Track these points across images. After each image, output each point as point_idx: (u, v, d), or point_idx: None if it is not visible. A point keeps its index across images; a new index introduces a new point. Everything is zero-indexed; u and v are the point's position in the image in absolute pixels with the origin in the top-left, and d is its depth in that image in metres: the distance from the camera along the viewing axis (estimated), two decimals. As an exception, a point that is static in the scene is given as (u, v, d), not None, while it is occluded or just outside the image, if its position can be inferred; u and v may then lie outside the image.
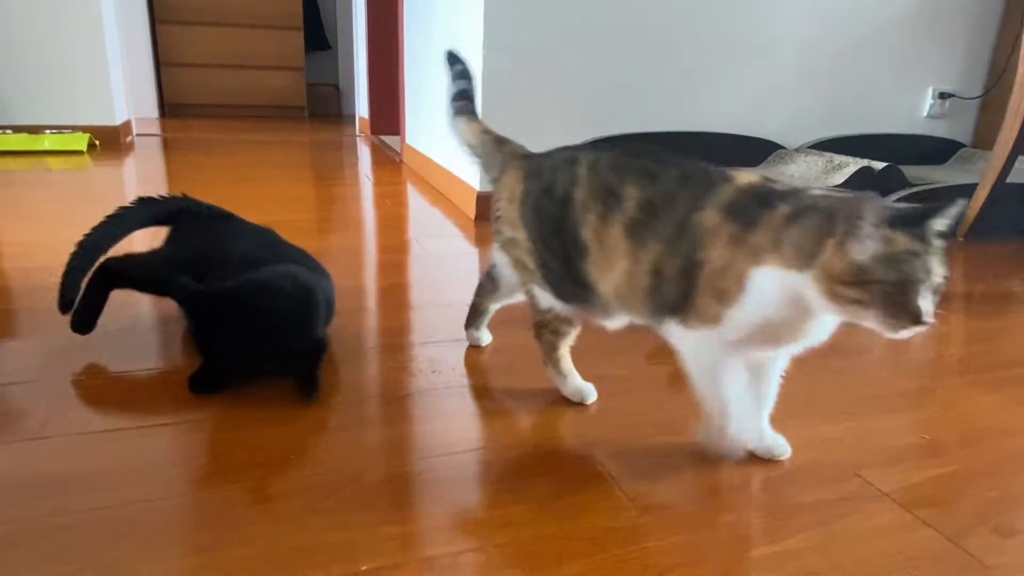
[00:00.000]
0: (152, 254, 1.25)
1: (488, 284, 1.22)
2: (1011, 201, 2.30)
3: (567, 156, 0.96)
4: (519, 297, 1.16)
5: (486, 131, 1.15)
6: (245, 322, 1.03)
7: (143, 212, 1.34)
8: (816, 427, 1.04)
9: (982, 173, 2.30)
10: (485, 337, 1.29)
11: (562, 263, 0.96)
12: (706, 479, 0.89)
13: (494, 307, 1.26)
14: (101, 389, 1.07)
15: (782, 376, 0.94)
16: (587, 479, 0.88)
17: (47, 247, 1.78)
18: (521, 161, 1.05)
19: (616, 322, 1.01)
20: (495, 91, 2.17)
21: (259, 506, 0.80)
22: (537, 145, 2.29)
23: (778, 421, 1.05)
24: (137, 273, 1.21)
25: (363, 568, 0.71)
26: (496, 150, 1.11)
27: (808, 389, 1.16)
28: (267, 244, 1.31)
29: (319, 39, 6.16)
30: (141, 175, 2.96)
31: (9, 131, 3.39)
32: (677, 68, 2.35)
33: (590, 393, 1.08)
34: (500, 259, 1.10)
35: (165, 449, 0.91)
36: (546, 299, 1.03)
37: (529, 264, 1.02)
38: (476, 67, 2.19)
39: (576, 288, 0.96)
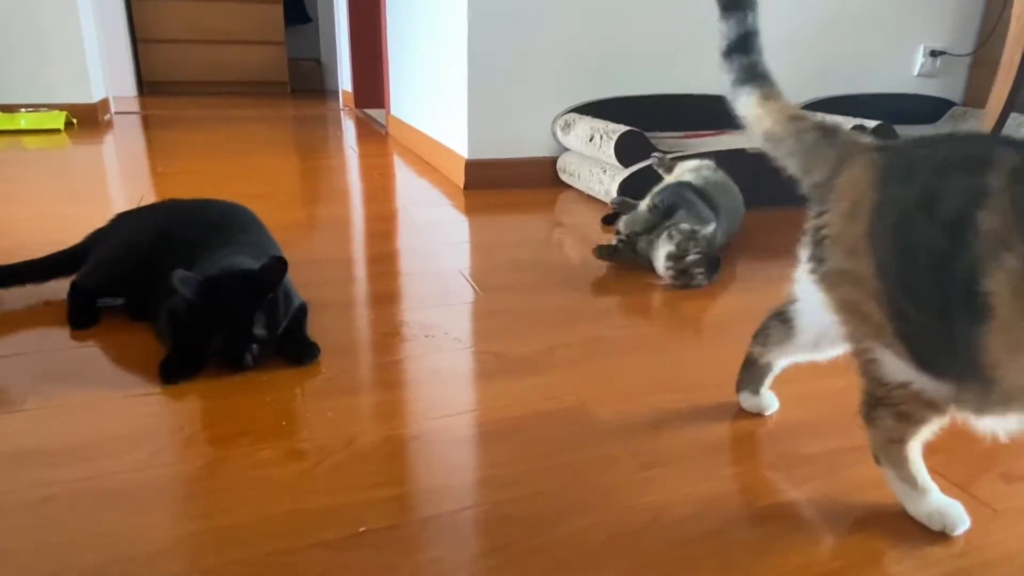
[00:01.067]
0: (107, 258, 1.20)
1: (778, 330, 0.85)
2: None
3: (967, 153, 0.60)
4: (827, 353, 0.82)
5: (798, 116, 0.77)
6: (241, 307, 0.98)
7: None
8: (814, 381, 1.02)
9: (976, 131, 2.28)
10: (770, 403, 0.93)
11: (937, 321, 0.59)
12: (707, 436, 0.87)
13: (783, 363, 0.89)
14: (82, 361, 1.04)
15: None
16: (586, 437, 0.86)
17: (24, 225, 1.73)
18: (874, 155, 0.68)
19: (1008, 423, 0.62)
20: (481, 55, 2.12)
21: (251, 472, 0.78)
22: (527, 110, 2.25)
23: (779, 377, 1.03)
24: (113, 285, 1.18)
25: (361, 530, 0.69)
26: (823, 141, 0.73)
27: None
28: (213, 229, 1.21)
29: (299, 12, 6.03)
30: (121, 153, 2.89)
31: (-17, 111, 3.30)
32: (667, 29, 2.31)
33: (959, 519, 0.71)
34: (812, 296, 0.74)
35: (150, 419, 0.88)
36: (898, 368, 0.67)
37: (872, 313, 0.66)
38: (461, 31, 2.14)
39: (954, 361, 0.60)
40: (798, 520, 0.72)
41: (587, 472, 0.79)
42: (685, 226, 1.40)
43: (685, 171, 1.67)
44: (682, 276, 1.38)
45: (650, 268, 1.44)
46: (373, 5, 3.97)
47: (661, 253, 1.40)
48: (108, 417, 0.88)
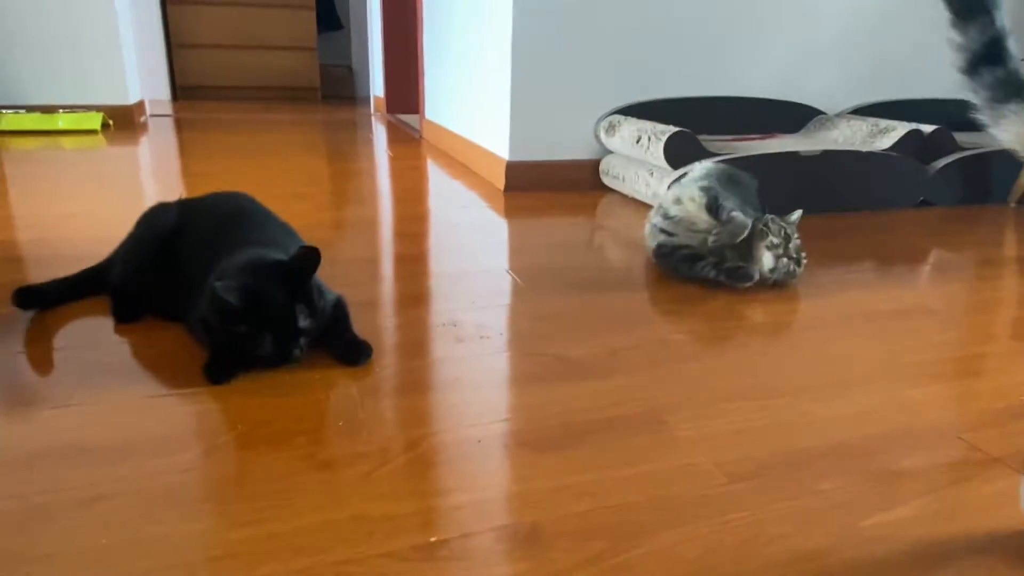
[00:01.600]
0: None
1: None
2: (1066, 165, 2.19)
3: None
4: None
5: None
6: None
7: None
8: (900, 390, 0.96)
9: (1035, 136, 2.19)
10: None
11: None
12: (793, 447, 0.81)
13: None
14: (127, 356, 1.00)
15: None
16: (662, 446, 0.80)
17: (61, 221, 1.71)
18: None
19: None
20: (525, 56, 2.08)
21: (311, 474, 0.73)
22: (570, 113, 2.20)
23: (861, 383, 0.97)
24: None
25: (432, 540, 0.64)
26: None
27: (881, 352, 1.07)
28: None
29: (331, 19, 6.06)
30: (156, 153, 2.89)
31: (23, 111, 3.33)
32: (715, 32, 2.25)
33: None
34: None
35: (200, 417, 0.84)
36: None
37: None
38: (505, 32, 2.10)
39: None
40: (908, 542, 0.65)
41: (668, 483, 0.73)
42: (767, 216, 1.34)
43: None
44: (792, 263, 1.31)
45: (687, 279, 1.35)
46: (408, 10, 3.96)
47: (764, 249, 1.30)
48: (156, 415, 0.84)
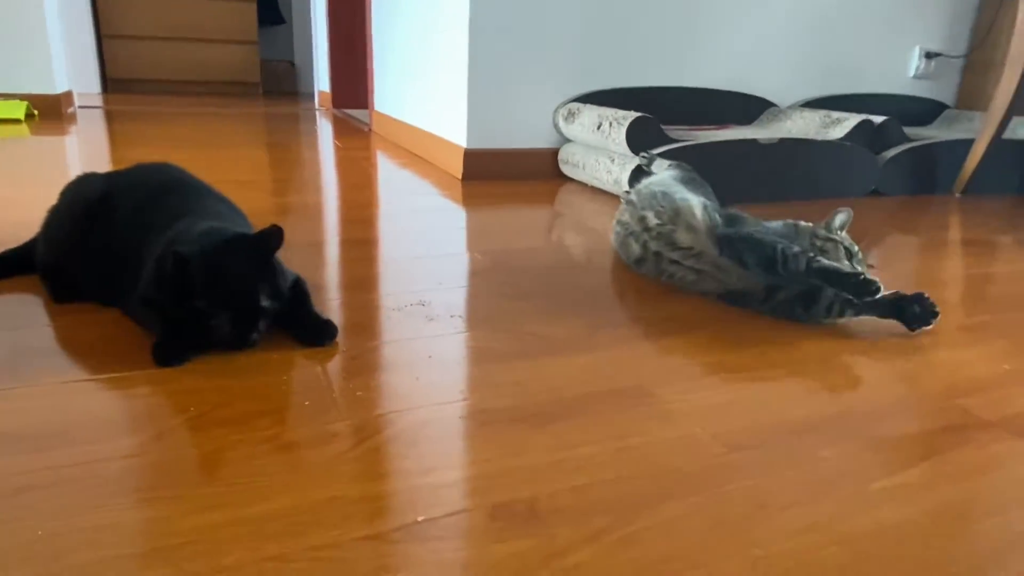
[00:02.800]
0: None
1: None
2: (1006, 158, 2.27)
3: None
4: None
5: None
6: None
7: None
8: (888, 360, 0.94)
9: (976, 130, 2.26)
10: None
11: None
12: (788, 416, 0.78)
13: None
14: (65, 337, 0.90)
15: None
16: (656, 418, 0.76)
17: (-14, 203, 1.57)
18: None
19: None
20: (483, 43, 2.03)
21: (278, 456, 0.66)
22: (528, 100, 2.16)
23: (844, 356, 0.95)
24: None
25: (419, 519, 0.58)
26: None
27: (862, 325, 1.06)
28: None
29: (273, 13, 5.88)
30: (87, 144, 2.71)
31: (-65, 98, 3.09)
32: (673, 22, 2.24)
33: None
34: None
35: (148, 399, 0.75)
36: None
37: None
38: (462, 18, 2.04)
39: None
40: (922, 503, 0.63)
41: (666, 455, 0.69)
42: (807, 225, 1.12)
43: (665, 172, 1.45)
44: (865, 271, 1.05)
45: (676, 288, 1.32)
46: (355, 3, 3.86)
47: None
48: (96, 399, 0.75)
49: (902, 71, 2.67)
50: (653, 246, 1.19)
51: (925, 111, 2.73)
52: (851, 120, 2.09)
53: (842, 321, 1.06)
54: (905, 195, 2.19)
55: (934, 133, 2.43)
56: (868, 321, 1.07)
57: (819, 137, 2.08)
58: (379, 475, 0.64)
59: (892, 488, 0.65)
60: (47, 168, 2.10)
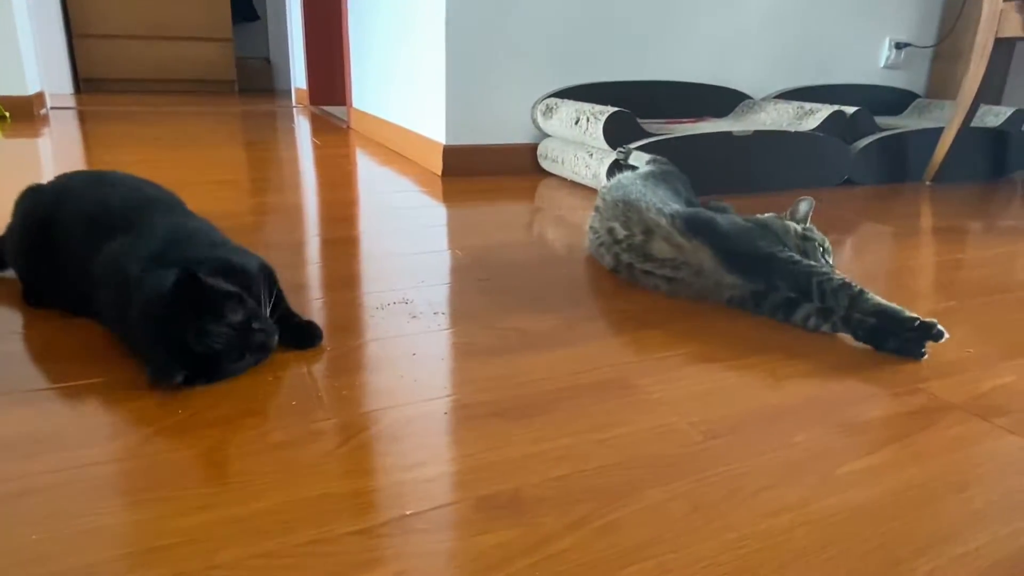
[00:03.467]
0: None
1: None
2: (975, 145, 2.32)
3: None
4: None
5: None
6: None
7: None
8: (858, 346, 0.97)
9: (946, 119, 2.31)
10: None
11: None
12: (761, 404, 0.81)
13: None
14: (43, 343, 0.91)
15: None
16: (635, 409, 0.78)
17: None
18: None
19: None
20: (458, 38, 2.04)
21: (267, 455, 0.67)
22: (506, 96, 2.17)
23: (816, 343, 0.98)
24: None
25: (407, 513, 0.60)
26: None
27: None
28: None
29: (247, 9, 5.82)
30: (61, 145, 2.68)
31: (-97, 101, 3.03)
32: (644, 17, 2.27)
33: None
34: None
35: (134, 404, 0.76)
36: None
37: None
38: (439, 14, 2.05)
39: None
40: (885, 485, 0.66)
41: (646, 444, 0.71)
42: (791, 225, 1.14)
43: (631, 173, 1.42)
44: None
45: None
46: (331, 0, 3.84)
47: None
48: (80, 405, 0.76)
49: (873, 61, 2.72)
50: (625, 257, 1.20)
51: (896, 100, 2.78)
52: (823, 111, 2.12)
53: (822, 331, 1.02)
54: (877, 184, 2.24)
55: (905, 122, 2.48)
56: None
57: (792, 128, 2.12)
58: (367, 471, 0.65)
59: (859, 471, 0.68)
60: (23, 171, 2.08)
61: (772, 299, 1.05)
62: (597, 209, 1.31)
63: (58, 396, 0.77)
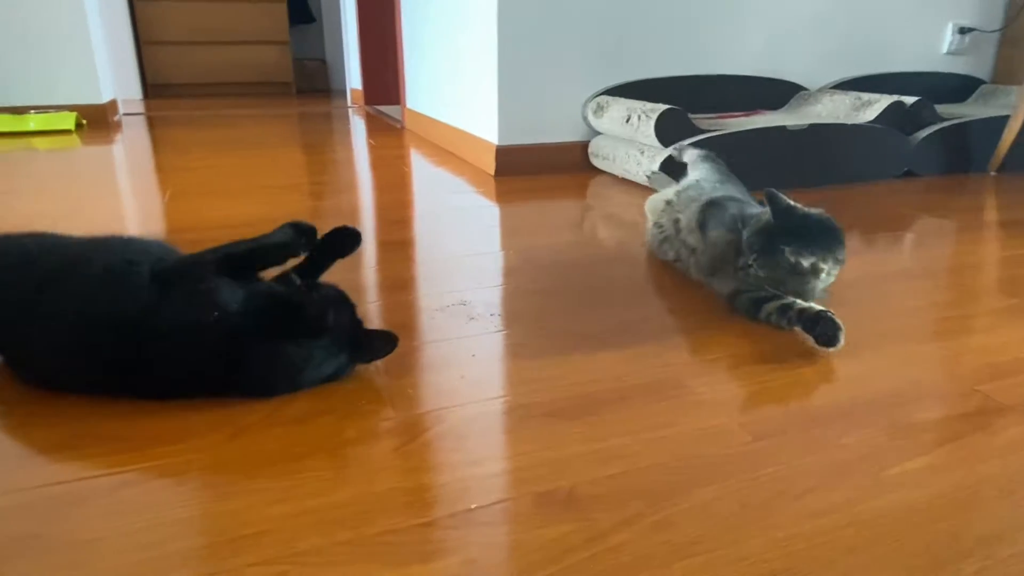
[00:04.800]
0: None
1: None
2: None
3: None
4: None
5: None
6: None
7: None
8: (913, 347, 0.98)
9: (1012, 106, 2.24)
10: None
11: None
12: (811, 406, 0.83)
13: None
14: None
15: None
16: (687, 410, 0.81)
17: (41, 222, 1.67)
18: None
19: None
20: (510, 39, 2.07)
21: (341, 451, 0.73)
22: (555, 92, 2.19)
23: (871, 343, 0.99)
24: None
25: (472, 507, 0.64)
26: None
27: (885, 312, 1.10)
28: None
29: (303, 12, 5.98)
30: (134, 151, 2.84)
31: (-9, 113, 3.25)
32: (696, 11, 2.26)
33: None
34: None
35: (219, 404, 0.83)
36: None
37: None
38: (490, 15, 2.09)
39: None
40: (934, 487, 0.67)
41: (696, 444, 0.74)
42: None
43: (696, 173, 1.45)
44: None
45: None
46: (384, 1, 3.92)
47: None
48: (170, 404, 0.83)
49: (935, 48, 2.64)
50: (685, 249, 1.25)
51: (960, 87, 2.69)
52: (881, 102, 2.08)
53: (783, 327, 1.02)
54: (939, 175, 2.19)
55: (969, 110, 2.41)
56: (898, 308, 1.10)
57: (849, 120, 2.09)
58: (432, 467, 0.70)
59: (906, 472, 0.69)
60: (99, 179, 2.21)
61: (745, 296, 1.08)
62: (668, 203, 1.34)
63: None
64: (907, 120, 2.12)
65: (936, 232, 1.59)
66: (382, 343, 0.90)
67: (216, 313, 0.80)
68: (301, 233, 0.91)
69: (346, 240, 0.96)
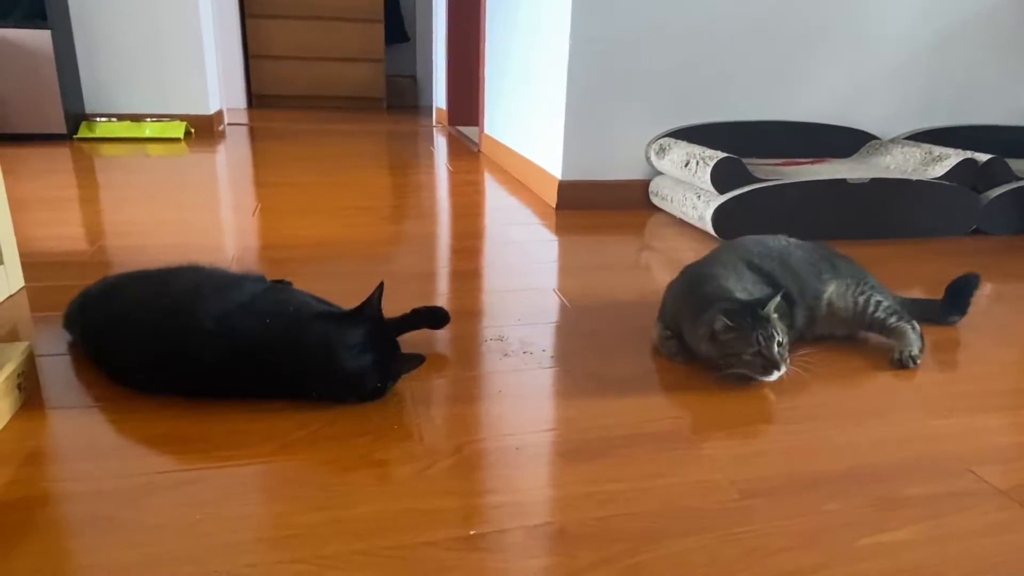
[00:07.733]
0: None
1: None
2: None
3: None
4: None
5: None
6: None
7: None
8: (923, 420, 1.01)
9: (1098, 167, 2.16)
10: None
11: None
12: (806, 470, 0.88)
13: None
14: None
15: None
16: (684, 462, 0.88)
17: (145, 227, 1.88)
18: None
19: None
20: (580, 80, 2.17)
21: (370, 470, 0.84)
22: (621, 133, 2.27)
23: (884, 414, 1.02)
24: None
25: (471, 533, 0.74)
26: None
27: (912, 383, 1.12)
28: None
29: (398, 32, 6.27)
30: (232, 162, 3.09)
31: (114, 119, 3.60)
32: (770, 57, 2.30)
33: None
34: None
35: (275, 416, 0.96)
36: None
37: None
38: (562, 56, 2.19)
39: None
40: (900, 561, 0.72)
41: (686, 496, 0.81)
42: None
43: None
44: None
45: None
46: (472, 25, 4.10)
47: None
48: (234, 414, 0.96)
49: (1016, 100, 2.56)
50: None
51: (1046, 143, 2.60)
52: (953, 158, 2.06)
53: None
54: (1011, 235, 2.13)
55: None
56: (920, 379, 1.13)
57: (917, 176, 2.07)
58: (444, 493, 0.80)
59: (879, 544, 0.74)
60: (202, 189, 2.44)
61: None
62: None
63: (216, 408, 0.98)
64: (979, 177, 2.08)
65: (995, 297, 1.58)
66: (410, 363, 1.05)
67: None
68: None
69: (439, 319, 1.23)
